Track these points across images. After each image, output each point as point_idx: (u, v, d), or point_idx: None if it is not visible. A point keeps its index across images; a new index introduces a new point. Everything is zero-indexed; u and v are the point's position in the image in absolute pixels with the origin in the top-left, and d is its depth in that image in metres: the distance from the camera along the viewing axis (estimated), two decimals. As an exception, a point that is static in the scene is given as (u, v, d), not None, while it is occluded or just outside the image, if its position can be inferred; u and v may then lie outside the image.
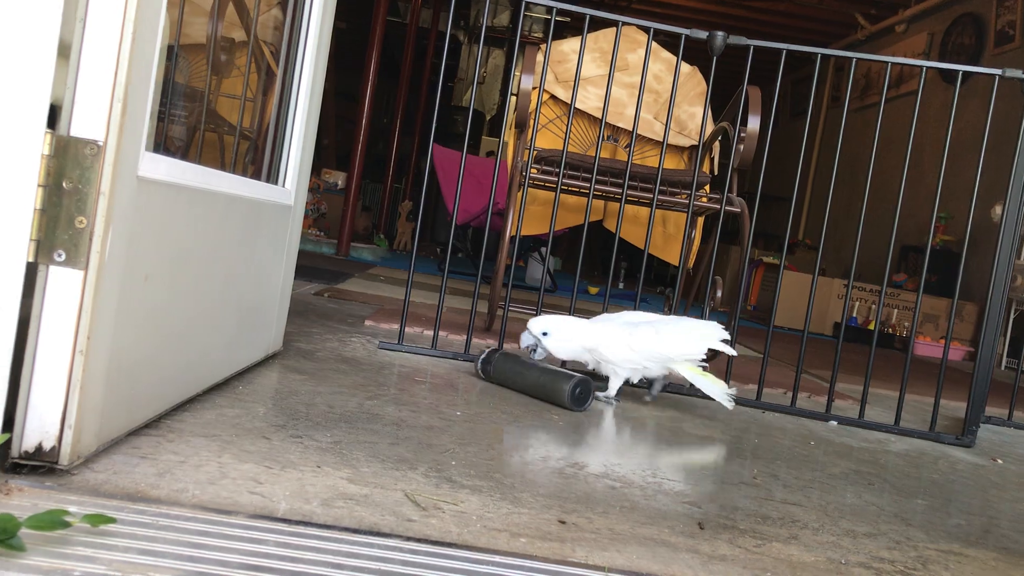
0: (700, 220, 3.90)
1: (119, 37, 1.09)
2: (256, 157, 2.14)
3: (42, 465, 1.13)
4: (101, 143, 1.11)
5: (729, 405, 2.36)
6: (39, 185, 1.09)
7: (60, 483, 1.11)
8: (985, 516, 1.80)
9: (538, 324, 2.31)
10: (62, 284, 1.12)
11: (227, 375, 1.82)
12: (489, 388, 2.37)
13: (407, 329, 2.75)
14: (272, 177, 2.09)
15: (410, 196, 11.05)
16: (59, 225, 1.11)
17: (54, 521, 0.90)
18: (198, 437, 1.43)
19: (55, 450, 1.13)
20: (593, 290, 7.24)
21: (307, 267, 4.95)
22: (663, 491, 1.58)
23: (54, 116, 1.11)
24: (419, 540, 1.13)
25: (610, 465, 1.72)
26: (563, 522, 1.31)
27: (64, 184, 1.11)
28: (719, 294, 3.48)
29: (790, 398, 2.79)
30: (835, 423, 2.70)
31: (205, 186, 1.51)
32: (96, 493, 1.11)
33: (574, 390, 2.15)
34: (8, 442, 1.11)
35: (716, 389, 2.36)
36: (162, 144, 1.80)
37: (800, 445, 2.28)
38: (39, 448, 1.13)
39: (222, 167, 1.89)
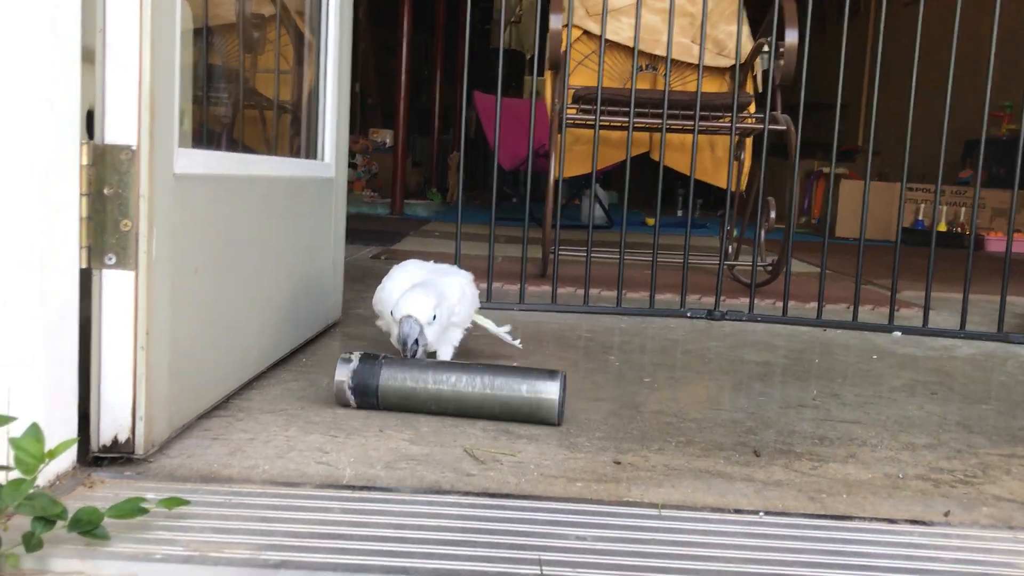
0: (749, 141, 3.84)
1: (138, 46, 1.13)
2: (295, 133, 2.18)
3: (120, 456, 1.20)
4: (135, 147, 1.16)
5: (517, 343, 2.01)
6: (82, 194, 1.15)
7: (138, 472, 1.19)
8: (1052, 415, 1.79)
9: (423, 305, 1.63)
10: (116, 286, 1.18)
11: (290, 349, 1.89)
12: (548, 333, 2.41)
13: (463, 283, 2.79)
14: (311, 152, 2.14)
15: (458, 147, 11.03)
16: (106, 230, 1.17)
17: (133, 509, 0.96)
18: (265, 413, 1.50)
19: (130, 441, 1.20)
20: (650, 221, 7.19)
21: (362, 230, 5.02)
22: (719, 423, 1.61)
23: (89, 125, 1.16)
24: (477, 494, 1.18)
25: (666, 401, 1.75)
26: (618, 463, 1.35)
27: (105, 190, 1.16)
28: (772, 215, 3.44)
29: (852, 312, 2.76)
30: (899, 334, 2.67)
31: (244, 172, 1.56)
32: (172, 478, 1.18)
33: (563, 394, 1.51)
34: (87, 439, 1.18)
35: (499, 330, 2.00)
36: (204, 127, 1.84)
37: (862, 360, 2.27)
38: (115, 441, 1.20)
39: (263, 145, 1.94)
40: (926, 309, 2.73)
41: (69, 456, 1.14)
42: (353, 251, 4.04)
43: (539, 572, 0.94)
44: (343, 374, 1.51)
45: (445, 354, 1.78)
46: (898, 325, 2.71)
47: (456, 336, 1.81)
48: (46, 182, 1.07)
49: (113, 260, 1.17)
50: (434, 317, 1.62)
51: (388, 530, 1.03)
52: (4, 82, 1.03)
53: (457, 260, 2.67)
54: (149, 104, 1.16)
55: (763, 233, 3.49)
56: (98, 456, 1.20)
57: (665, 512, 1.14)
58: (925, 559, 1.03)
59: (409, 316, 1.59)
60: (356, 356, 1.53)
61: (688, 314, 2.77)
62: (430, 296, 1.63)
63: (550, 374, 1.51)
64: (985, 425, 1.69)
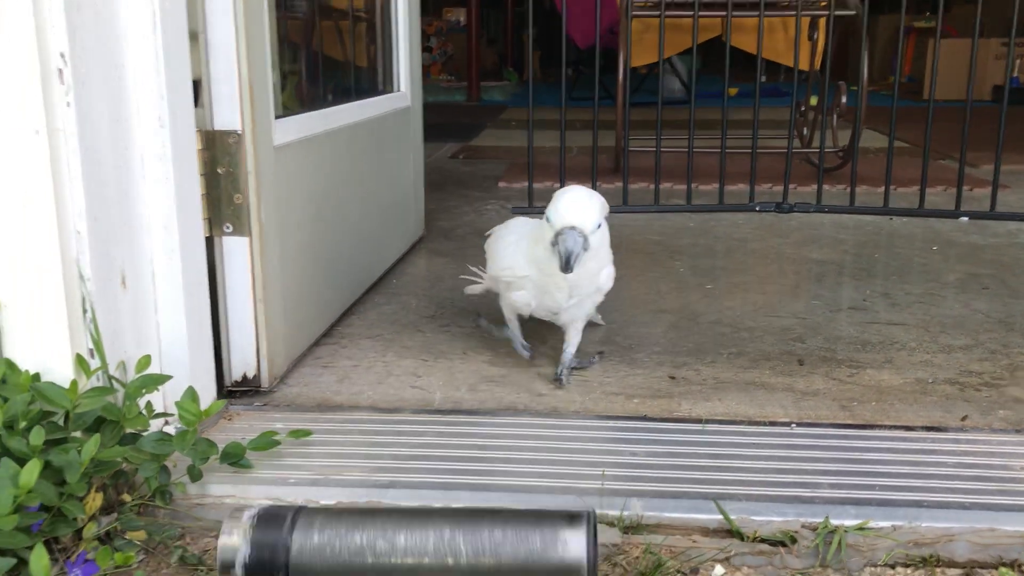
0: (821, 21, 3.80)
1: (235, 50, 1.31)
2: (372, 70, 2.33)
3: (249, 389, 1.45)
4: (240, 131, 1.35)
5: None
6: (200, 175, 1.35)
7: (264, 402, 1.43)
8: (1096, 309, 1.88)
9: (588, 209, 1.35)
10: (234, 250, 1.40)
11: (381, 272, 2.11)
12: (616, 238, 2.55)
13: (536, 185, 2.94)
14: (387, 85, 2.29)
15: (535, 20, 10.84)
16: (222, 204, 1.37)
17: (268, 442, 1.20)
18: (364, 339, 1.73)
19: (256, 377, 1.45)
20: (732, 91, 7.08)
21: (440, 124, 5.16)
22: (770, 331, 1.77)
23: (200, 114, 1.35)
24: (546, 414, 1.38)
25: (724, 310, 1.91)
26: (673, 378, 1.54)
27: (219, 170, 1.36)
28: (843, 100, 3.46)
29: (919, 197, 2.81)
30: (966, 219, 2.73)
31: (331, 126, 1.74)
32: (292, 407, 1.42)
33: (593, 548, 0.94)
34: (221, 376, 1.42)
35: None
36: (294, 87, 1.99)
37: (921, 253, 2.37)
38: (244, 377, 1.44)
39: (344, 88, 2.11)
40: (994, 189, 2.76)
41: (211, 397, 1.39)
42: (431, 150, 4.20)
43: (600, 485, 1.14)
44: (232, 540, 0.94)
45: (576, 336, 1.53)
46: (965, 211, 2.77)
47: (593, 303, 1.53)
48: (179, 167, 1.26)
49: (230, 229, 1.38)
50: (599, 225, 1.35)
51: (473, 451, 1.25)
52: (160, 103, 1.21)
53: (531, 167, 2.82)
54: (249, 94, 1.34)
55: (835, 117, 3.51)
56: (231, 390, 1.44)
57: (708, 426, 1.33)
58: (931, 464, 1.20)
59: (573, 228, 1.30)
60: (251, 514, 0.96)
61: (757, 208, 2.88)
62: (594, 197, 1.36)
63: (570, 519, 0.95)
64: (1026, 321, 1.81)
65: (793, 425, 1.34)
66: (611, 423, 1.35)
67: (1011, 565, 1.04)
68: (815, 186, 2.95)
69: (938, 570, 1.04)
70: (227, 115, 1.35)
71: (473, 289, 1.75)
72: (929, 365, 1.59)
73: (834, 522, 1.06)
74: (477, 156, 4.08)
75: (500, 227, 1.60)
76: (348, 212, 1.85)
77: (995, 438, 1.29)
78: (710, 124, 3.40)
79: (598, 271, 1.45)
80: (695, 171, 2.95)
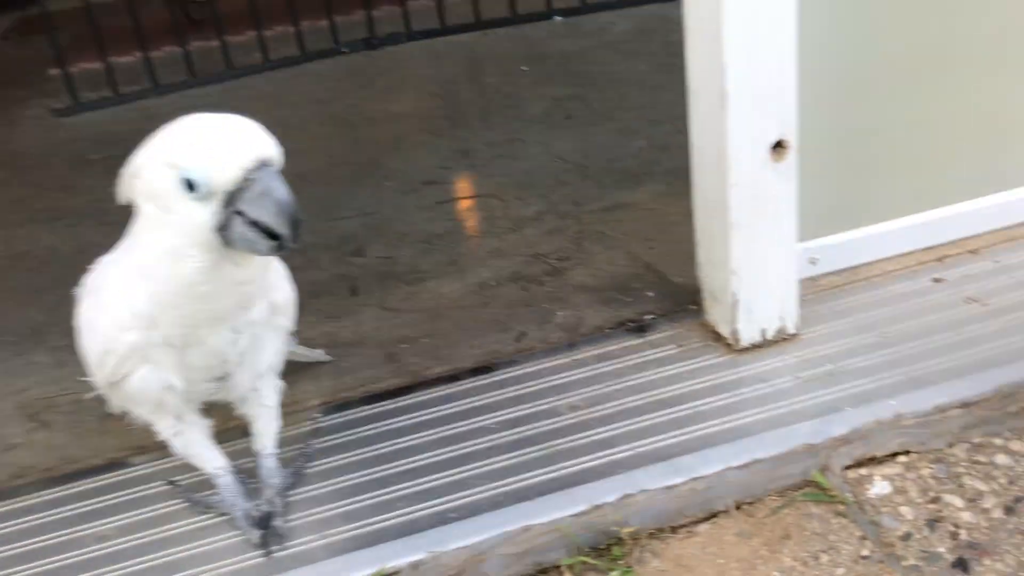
0: None
1: None
2: None
3: None
4: None
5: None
6: None
7: None
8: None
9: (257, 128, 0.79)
10: None
11: None
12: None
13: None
14: None
15: None
16: None
17: None
18: None
19: None
20: None
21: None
22: (328, 244, 1.49)
23: None
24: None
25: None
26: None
27: None
28: None
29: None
30: (559, 19, 2.53)
31: None
32: None
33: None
34: None
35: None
36: None
37: (510, 79, 2.14)
38: None
39: None
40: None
41: None
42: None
43: None
44: None
45: (269, 417, 0.99)
46: (558, 8, 2.55)
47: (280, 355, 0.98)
48: None
49: None
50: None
51: None
52: None
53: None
54: None
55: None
56: None
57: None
58: (471, 440, 1.01)
59: (264, 163, 0.76)
60: None
61: (345, 50, 2.52)
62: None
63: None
64: (601, 156, 1.65)
65: (319, 418, 1.09)
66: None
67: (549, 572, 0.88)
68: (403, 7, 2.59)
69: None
70: None
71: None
72: (497, 256, 1.39)
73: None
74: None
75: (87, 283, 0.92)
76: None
77: (547, 364, 1.12)
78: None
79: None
80: (266, 12, 2.47)
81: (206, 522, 0.95)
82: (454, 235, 1.48)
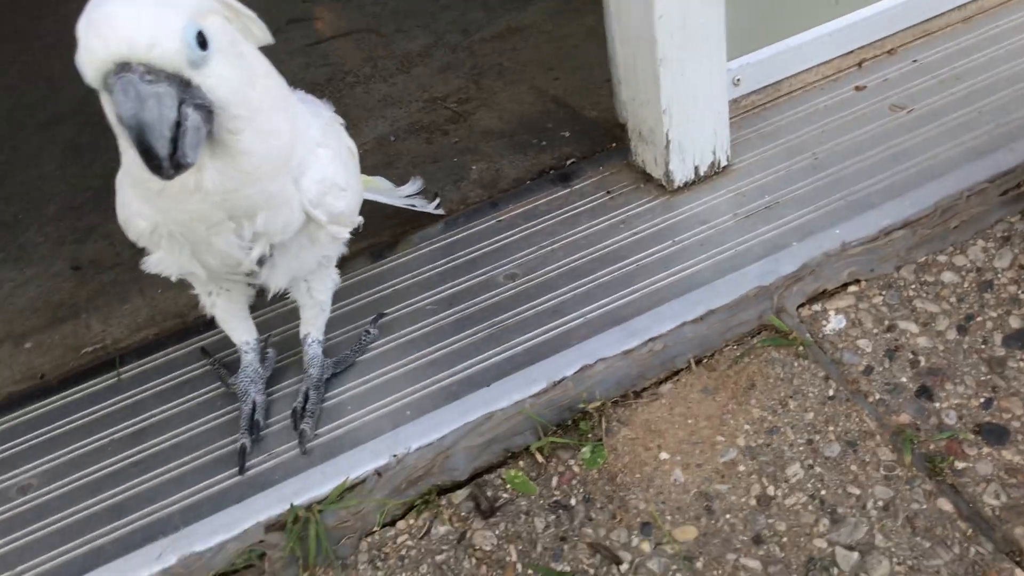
0: None
1: None
2: None
3: None
4: None
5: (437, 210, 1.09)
6: None
7: None
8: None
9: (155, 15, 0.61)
10: None
11: None
12: None
13: None
14: None
15: None
16: None
17: None
18: None
19: None
20: None
21: None
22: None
23: None
24: None
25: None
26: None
27: None
28: None
29: None
30: None
31: None
32: None
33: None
34: None
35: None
36: None
37: None
38: None
39: None
40: None
41: None
42: None
43: None
44: None
45: (318, 309, 0.90)
46: None
47: (336, 250, 0.87)
48: None
49: None
50: (201, 38, 0.62)
51: None
52: None
53: None
54: None
55: None
56: None
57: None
58: (413, 294, 0.93)
59: (127, 64, 0.60)
60: None
61: None
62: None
63: None
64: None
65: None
66: None
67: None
68: None
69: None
70: None
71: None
72: (390, 104, 1.27)
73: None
74: None
75: None
76: None
77: (472, 229, 1.03)
78: None
79: (284, 161, 0.73)
80: None
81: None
82: (336, 83, 1.33)
